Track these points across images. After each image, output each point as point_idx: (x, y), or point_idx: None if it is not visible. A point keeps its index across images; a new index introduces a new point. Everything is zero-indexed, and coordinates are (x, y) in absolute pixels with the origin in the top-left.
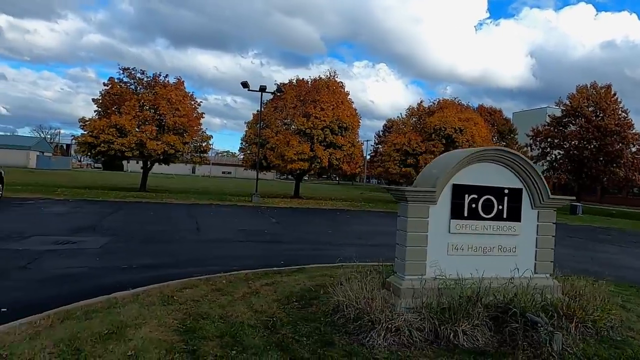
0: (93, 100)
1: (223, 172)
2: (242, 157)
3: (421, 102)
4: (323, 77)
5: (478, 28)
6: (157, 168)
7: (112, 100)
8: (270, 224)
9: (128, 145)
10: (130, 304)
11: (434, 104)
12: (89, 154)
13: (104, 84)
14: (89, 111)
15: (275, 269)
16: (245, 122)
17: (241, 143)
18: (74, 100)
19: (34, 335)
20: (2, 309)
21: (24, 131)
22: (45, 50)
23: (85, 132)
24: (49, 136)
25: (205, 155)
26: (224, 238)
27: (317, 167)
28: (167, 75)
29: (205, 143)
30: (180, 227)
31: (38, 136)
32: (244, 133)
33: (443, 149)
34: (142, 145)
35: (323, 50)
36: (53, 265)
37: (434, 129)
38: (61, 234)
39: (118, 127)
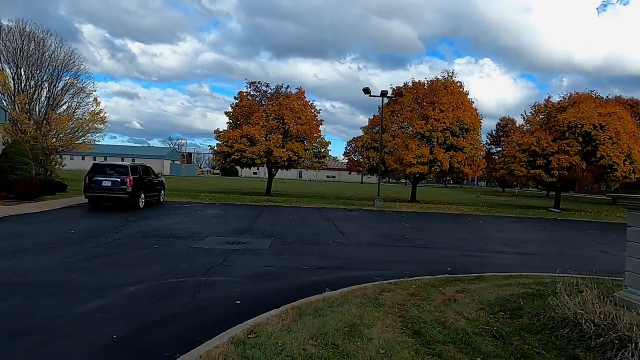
0: (225, 113)
1: (327, 176)
2: (346, 161)
3: (549, 97)
4: (440, 77)
5: (601, 10)
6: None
7: (242, 112)
8: (405, 228)
9: (258, 153)
10: (344, 304)
11: (565, 98)
12: (223, 161)
13: (235, 98)
14: (204, 123)
15: (449, 276)
16: (361, 128)
17: (346, 147)
18: (192, 113)
19: (287, 327)
20: (237, 302)
21: (154, 142)
22: (168, 71)
23: (221, 142)
24: (175, 146)
25: (323, 160)
26: (371, 242)
27: (437, 170)
28: (288, 86)
29: (323, 149)
30: (324, 230)
31: (168, 146)
32: (361, 137)
33: (580, 148)
34: (270, 152)
35: (421, 50)
36: (245, 264)
37: (567, 126)
38: (228, 235)
39: (249, 136)
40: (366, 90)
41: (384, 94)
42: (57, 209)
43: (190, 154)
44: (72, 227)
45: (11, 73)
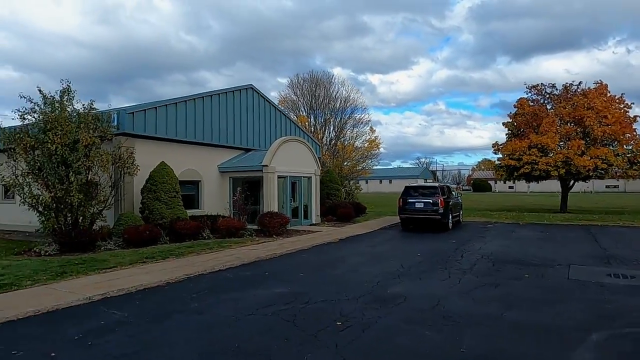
0: (503, 124)
1: (607, 186)
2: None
3: None
4: None
5: None
6: (521, 186)
7: (524, 120)
8: None
9: (553, 164)
10: None
11: None
12: (508, 176)
13: (514, 106)
14: (442, 140)
15: None
16: None
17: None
18: (429, 132)
19: None
20: None
21: (396, 164)
22: (405, 95)
23: (503, 156)
24: (423, 165)
25: None
26: None
27: None
28: (579, 82)
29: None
30: None
31: (417, 166)
32: None
33: None
34: (568, 162)
35: None
36: None
37: None
38: (590, 264)
39: (539, 146)
40: None
41: None
42: (377, 230)
43: (433, 171)
44: (412, 250)
45: (305, 114)
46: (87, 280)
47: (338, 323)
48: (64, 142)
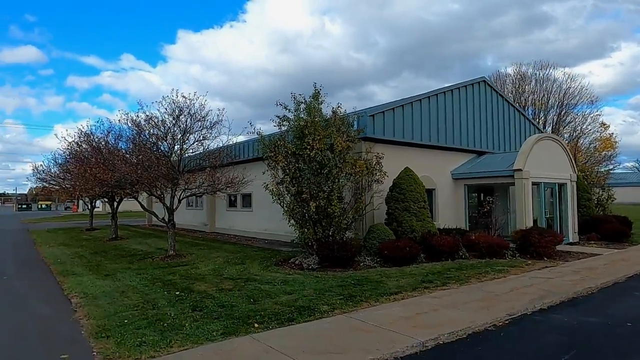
0: None
1: None
2: None
3: None
4: None
5: None
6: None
7: None
8: None
9: None
10: None
11: None
12: None
13: None
14: None
15: None
16: None
17: None
18: (638, 130)
19: None
20: None
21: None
22: (601, 88)
23: None
24: None
25: None
26: None
27: None
28: None
29: None
30: None
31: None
32: None
33: None
34: None
35: None
36: None
37: None
38: None
39: None
40: None
41: None
42: None
43: None
44: None
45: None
46: (391, 312)
47: None
48: (321, 147)
